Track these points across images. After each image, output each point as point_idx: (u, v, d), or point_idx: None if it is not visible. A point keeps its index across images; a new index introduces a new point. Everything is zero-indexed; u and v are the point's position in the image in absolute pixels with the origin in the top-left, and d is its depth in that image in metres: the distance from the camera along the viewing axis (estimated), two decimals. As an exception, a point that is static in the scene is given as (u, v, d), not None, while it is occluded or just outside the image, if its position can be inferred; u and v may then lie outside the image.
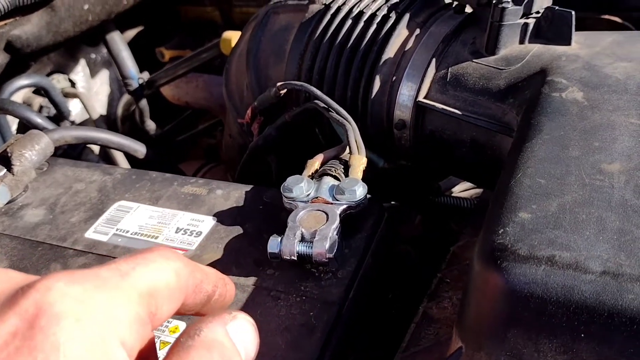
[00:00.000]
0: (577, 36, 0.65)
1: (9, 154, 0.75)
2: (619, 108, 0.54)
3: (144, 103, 1.35)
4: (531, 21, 0.65)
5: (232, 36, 1.12)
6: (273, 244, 0.59)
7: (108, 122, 1.46)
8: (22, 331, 0.28)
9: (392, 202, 0.83)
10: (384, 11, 0.73)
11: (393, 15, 0.72)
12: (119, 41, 1.32)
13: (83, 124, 1.39)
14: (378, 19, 0.73)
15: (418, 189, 0.81)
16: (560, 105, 0.55)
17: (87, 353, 0.29)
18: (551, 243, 0.42)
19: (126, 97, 1.47)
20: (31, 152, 0.77)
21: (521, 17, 0.65)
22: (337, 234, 0.59)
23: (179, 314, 0.39)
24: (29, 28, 1.02)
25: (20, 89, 1.17)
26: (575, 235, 0.43)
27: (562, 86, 0.58)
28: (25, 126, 1.08)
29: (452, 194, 0.89)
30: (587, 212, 0.44)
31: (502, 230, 0.44)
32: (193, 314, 0.41)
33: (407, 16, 0.71)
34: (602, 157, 0.49)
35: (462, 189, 0.90)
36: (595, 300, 0.39)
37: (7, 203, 0.74)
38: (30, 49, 1.05)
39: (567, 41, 0.65)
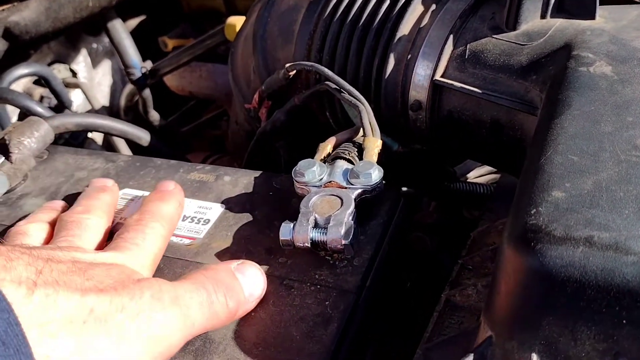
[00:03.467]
0: (601, 10, 0.62)
1: (7, 142, 0.72)
2: (652, 82, 0.51)
3: (147, 93, 1.31)
4: (553, -6, 0.62)
5: (237, 21, 1.08)
6: (285, 230, 0.57)
7: (111, 112, 1.43)
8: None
9: (406, 188, 0.80)
10: (398, -14, 0.70)
11: (407, -9, 0.69)
12: (121, 29, 1.28)
13: (85, 114, 1.36)
14: (391, -5, 0.69)
15: (433, 174, 0.78)
16: (588, 79, 0.52)
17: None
18: (588, 223, 0.39)
19: (129, 88, 1.44)
20: (30, 140, 0.75)
21: (543, -10, 0.62)
22: (352, 220, 0.56)
23: None
24: (28, 14, 0.99)
25: (19, 78, 1.13)
26: (613, 214, 0.40)
27: (589, 60, 0.54)
28: (26, 116, 1.05)
29: (468, 180, 0.86)
30: (625, 190, 0.41)
31: (534, 210, 0.41)
32: None
33: (422, -9, 0.68)
34: (637, 133, 0.46)
35: (478, 175, 0.87)
36: (638, 283, 0.36)
37: (6, 192, 0.72)
38: (29, 35, 1.02)
39: (591, 15, 0.61)
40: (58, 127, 0.79)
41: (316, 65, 0.69)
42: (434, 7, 0.67)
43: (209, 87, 1.41)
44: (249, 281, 0.52)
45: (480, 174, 0.86)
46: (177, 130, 1.39)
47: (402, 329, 0.58)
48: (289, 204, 0.64)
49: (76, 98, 1.34)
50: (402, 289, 0.62)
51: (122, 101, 1.46)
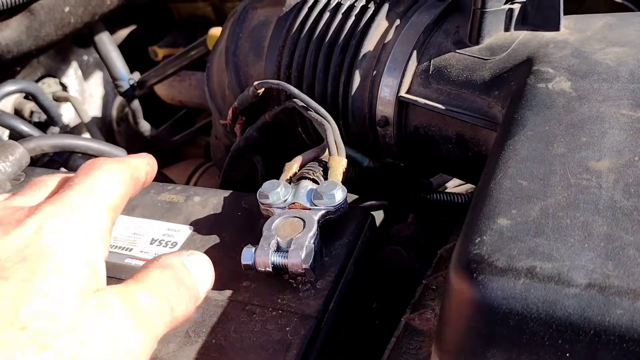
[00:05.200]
0: (566, 20, 0.61)
1: (-20, 167, 0.72)
2: (610, 98, 0.50)
3: (136, 104, 1.32)
4: (516, 7, 0.61)
5: (219, 32, 1.08)
6: (247, 254, 0.56)
7: (103, 123, 1.44)
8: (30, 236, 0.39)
9: (383, 202, 0.80)
10: (363, 2, 0.69)
11: (372, 6, 0.68)
12: (108, 42, 1.29)
13: (77, 128, 1.36)
14: (356, 11, 0.69)
15: (408, 186, 0.78)
16: (545, 97, 0.51)
17: (79, 258, 0.40)
18: (531, 252, 0.39)
19: (120, 98, 1.45)
20: (5, 164, 0.75)
21: (505, 3, 0.61)
22: (314, 242, 0.56)
23: None
24: (8, 34, 0.99)
25: (6, 96, 1.14)
26: (558, 243, 0.39)
27: (548, 76, 0.54)
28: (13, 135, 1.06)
29: (446, 190, 0.85)
30: (572, 217, 0.40)
31: (479, 239, 0.40)
32: None
33: (386, 6, 0.67)
34: (590, 154, 0.45)
35: (457, 184, 0.86)
36: (580, 316, 0.35)
37: (-20, 218, 0.72)
38: (12, 55, 1.02)
39: (555, 26, 0.60)
40: (34, 149, 0.79)
41: (282, 83, 0.69)
42: (398, 22, 0.66)
43: (198, 95, 1.41)
44: (202, 276, 0.48)
45: (459, 183, 0.86)
46: (168, 140, 1.39)
47: (367, 354, 0.57)
48: (257, 224, 0.64)
49: (67, 112, 1.34)
50: (369, 310, 0.61)
51: (114, 112, 1.47)
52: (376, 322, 0.60)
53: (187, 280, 0.46)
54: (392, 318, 0.59)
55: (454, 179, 0.86)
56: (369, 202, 0.82)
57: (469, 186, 0.85)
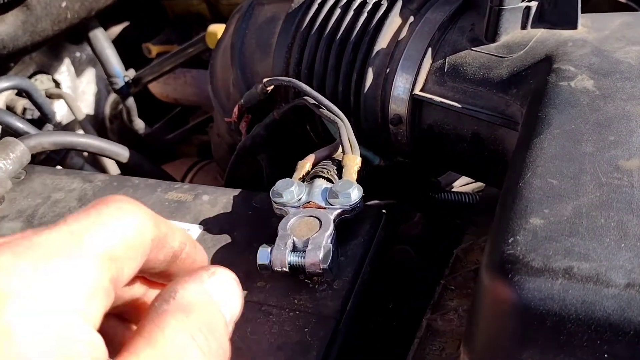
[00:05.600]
0: (583, 19, 0.61)
1: (-19, 164, 0.71)
2: (634, 97, 0.49)
3: (130, 101, 1.30)
4: (533, 4, 0.61)
5: (218, 29, 1.07)
6: (263, 254, 0.55)
7: (96, 121, 1.42)
8: None
9: (391, 201, 0.79)
10: (375, -2, 0.69)
11: (385, 3, 0.67)
12: (103, 39, 1.27)
13: (70, 125, 1.34)
14: (369, 7, 0.68)
15: (417, 186, 0.77)
16: (569, 95, 0.51)
17: (44, 334, 0.26)
18: (567, 252, 0.38)
19: (114, 96, 1.43)
20: (6, 162, 0.73)
21: (523, 0, 0.60)
22: (331, 242, 0.55)
23: (142, 273, 0.35)
24: (4, 28, 0.97)
25: (0, 92, 1.12)
26: (594, 242, 0.38)
27: (570, 74, 0.53)
28: (7, 132, 1.04)
29: (453, 189, 0.84)
30: (606, 216, 0.40)
31: (512, 239, 0.40)
32: (159, 278, 0.37)
33: (399, 3, 0.66)
34: (619, 153, 0.44)
35: (464, 183, 0.86)
36: (620, 316, 0.35)
37: (-19, 216, 0.70)
38: (7, 50, 1.00)
39: (573, 25, 0.60)
40: (34, 147, 0.77)
41: (293, 80, 0.68)
42: (412, 19, 0.65)
43: (194, 93, 1.40)
44: (230, 304, 0.34)
45: (466, 182, 0.85)
46: (162, 138, 1.37)
47: (386, 354, 0.56)
48: (268, 223, 0.63)
49: (60, 108, 1.32)
50: (386, 310, 0.61)
51: (107, 109, 1.45)
52: (394, 322, 0.59)
53: (216, 319, 0.32)
54: (402, 317, 0.59)
55: (461, 178, 0.85)
56: (374, 201, 0.81)
57: (475, 185, 0.85)
